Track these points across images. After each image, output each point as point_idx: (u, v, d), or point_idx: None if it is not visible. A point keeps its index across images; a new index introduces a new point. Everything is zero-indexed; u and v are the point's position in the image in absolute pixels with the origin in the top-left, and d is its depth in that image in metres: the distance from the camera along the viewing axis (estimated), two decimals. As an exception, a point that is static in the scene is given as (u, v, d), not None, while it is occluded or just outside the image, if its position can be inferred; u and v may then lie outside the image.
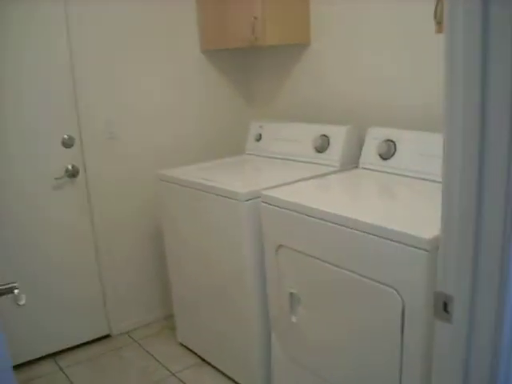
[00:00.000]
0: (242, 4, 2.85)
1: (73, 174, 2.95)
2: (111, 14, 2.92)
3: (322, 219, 1.93)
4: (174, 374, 2.81)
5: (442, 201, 1.11)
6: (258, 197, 2.26)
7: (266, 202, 2.22)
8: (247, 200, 2.29)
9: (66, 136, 2.90)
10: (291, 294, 2.17)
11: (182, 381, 2.75)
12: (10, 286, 1.57)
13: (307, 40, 2.94)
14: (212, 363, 2.84)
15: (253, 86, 3.46)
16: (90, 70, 2.90)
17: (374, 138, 2.51)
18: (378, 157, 2.46)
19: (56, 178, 2.89)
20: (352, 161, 2.63)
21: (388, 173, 2.40)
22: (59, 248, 2.98)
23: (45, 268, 2.94)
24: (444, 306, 1.16)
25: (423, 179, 2.23)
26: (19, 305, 1.57)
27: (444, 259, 1.14)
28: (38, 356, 3.00)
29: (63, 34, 2.80)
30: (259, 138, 3.09)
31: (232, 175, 2.67)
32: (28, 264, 2.88)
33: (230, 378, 2.71)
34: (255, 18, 2.76)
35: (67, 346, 3.10)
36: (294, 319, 2.19)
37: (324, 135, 2.70)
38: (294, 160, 2.83)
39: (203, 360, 2.90)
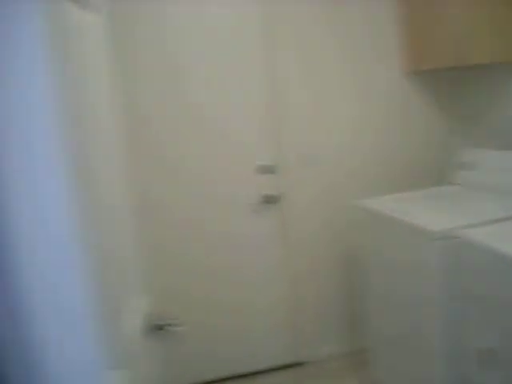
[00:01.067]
0: (446, 21, 2.58)
1: (270, 200, 2.98)
2: (311, 36, 2.89)
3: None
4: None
5: None
6: (454, 236, 2.00)
7: (463, 245, 1.95)
8: (440, 239, 2.04)
9: (264, 163, 2.95)
10: (488, 348, 1.88)
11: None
12: (173, 321, 1.62)
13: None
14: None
15: (457, 111, 3.11)
16: (291, 94, 2.90)
17: None
18: None
19: (253, 204, 2.95)
20: None
21: None
22: (253, 270, 3.04)
23: (241, 292, 3.02)
24: None
25: None
26: (180, 334, 1.60)
27: None
28: (231, 375, 3.10)
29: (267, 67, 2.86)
30: (468, 166, 2.76)
31: (429, 209, 2.43)
32: (221, 288, 2.99)
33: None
34: (461, 35, 2.48)
35: (259, 369, 3.14)
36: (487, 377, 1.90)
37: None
38: (506, 194, 2.46)
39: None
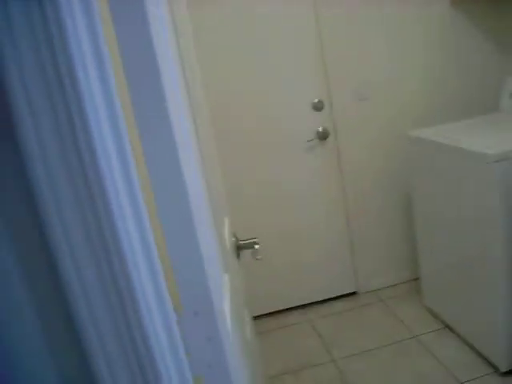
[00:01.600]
0: None
1: (324, 136, 3.09)
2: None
3: None
4: (415, 337, 2.81)
5: None
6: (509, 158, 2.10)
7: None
8: (497, 161, 2.14)
9: (316, 100, 3.05)
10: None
11: (422, 344, 2.74)
12: (251, 241, 1.76)
13: None
14: (455, 330, 2.76)
15: (507, 38, 3.13)
16: (338, 33, 2.97)
17: None
18: None
19: (308, 141, 3.07)
20: None
21: None
22: (312, 207, 3.19)
23: (297, 223, 3.18)
24: None
25: None
26: (257, 259, 1.76)
27: None
28: (288, 306, 3.29)
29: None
30: (515, 94, 2.82)
31: (482, 135, 2.51)
32: (278, 218, 3.15)
33: (472, 347, 2.61)
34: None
35: (316, 300, 3.32)
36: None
37: None
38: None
39: (447, 326, 2.84)
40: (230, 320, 0.99)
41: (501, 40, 3.15)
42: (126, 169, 0.52)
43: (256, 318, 3.06)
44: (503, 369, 2.39)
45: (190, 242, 0.73)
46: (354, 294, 3.37)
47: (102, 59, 0.50)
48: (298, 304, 3.30)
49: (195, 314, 0.75)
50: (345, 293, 3.37)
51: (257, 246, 1.75)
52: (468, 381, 2.43)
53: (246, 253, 1.75)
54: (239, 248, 1.76)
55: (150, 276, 0.58)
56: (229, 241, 1.55)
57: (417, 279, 3.21)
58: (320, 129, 3.07)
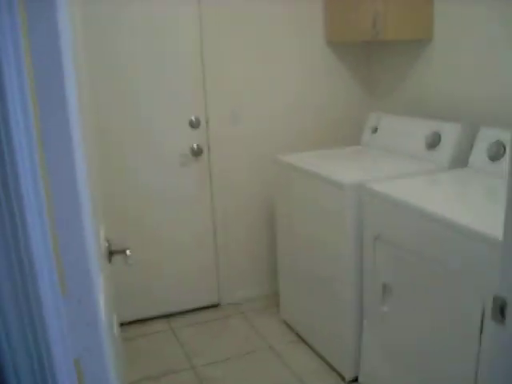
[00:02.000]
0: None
1: (197, 152, 3.21)
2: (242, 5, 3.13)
3: (421, 216, 1.99)
4: (271, 347, 2.99)
5: (505, 205, 1.14)
6: (362, 188, 2.35)
7: (369, 194, 2.30)
8: (351, 190, 2.39)
9: (193, 118, 3.17)
10: (384, 284, 2.25)
11: (277, 353, 2.92)
12: (123, 247, 1.82)
13: (429, 36, 2.92)
14: (308, 341, 2.98)
15: (373, 79, 3.49)
16: (217, 56, 3.13)
17: (485, 138, 2.46)
18: (487, 158, 2.42)
19: (182, 155, 3.17)
20: (462, 160, 2.60)
21: (496, 176, 2.35)
22: (181, 219, 3.29)
23: (167, 235, 3.25)
24: (501, 310, 1.20)
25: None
26: (129, 264, 1.82)
27: (503, 263, 1.18)
28: (151, 315, 3.34)
29: (196, 28, 3.06)
30: (375, 130, 3.14)
31: (342, 165, 2.78)
32: (149, 229, 3.21)
33: (322, 357, 2.84)
34: (377, 12, 2.81)
35: (179, 310, 3.40)
36: (385, 309, 2.27)
37: (436, 132, 2.69)
38: (405, 154, 2.85)
39: (300, 338, 3.05)
40: (104, 314, 1.06)
41: (367, 81, 3.50)
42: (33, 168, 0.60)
43: (121, 325, 3.07)
44: (348, 377, 2.64)
45: (78, 233, 0.81)
46: (216, 305, 3.50)
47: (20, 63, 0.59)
48: (162, 313, 3.35)
49: (78, 301, 0.82)
50: (208, 304, 3.48)
51: (128, 252, 1.81)
52: (316, 388, 2.65)
53: (118, 258, 1.81)
54: (111, 253, 1.81)
55: (46, 265, 0.65)
56: (102, 244, 1.60)
57: (276, 294, 3.41)
58: (195, 145, 3.20)
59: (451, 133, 2.63)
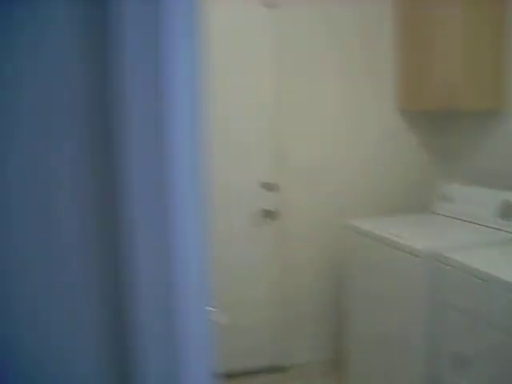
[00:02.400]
0: (440, 68, 2.98)
1: (269, 215, 3.30)
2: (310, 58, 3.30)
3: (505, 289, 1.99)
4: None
5: None
6: (439, 256, 2.36)
7: (445, 263, 2.32)
8: (427, 258, 2.40)
9: (266, 181, 3.28)
10: (455, 353, 2.23)
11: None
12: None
13: (503, 106, 2.94)
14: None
15: (443, 147, 3.50)
16: (293, 129, 3.29)
17: None
18: None
19: (254, 216, 3.28)
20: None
21: None
22: (251, 279, 3.35)
23: (231, 293, 3.29)
24: None
25: None
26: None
27: None
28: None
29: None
30: (445, 198, 3.16)
31: (415, 232, 2.80)
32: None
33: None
34: (451, 82, 2.88)
35: (241, 371, 3.37)
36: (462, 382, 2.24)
37: (510, 201, 2.70)
38: (477, 223, 2.87)
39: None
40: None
41: (437, 149, 3.53)
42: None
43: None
44: None
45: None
46: (280, 367, 3.48)
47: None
48: (223, 372, 3.34)
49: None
50: (271, 365, 3.47)
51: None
52: None
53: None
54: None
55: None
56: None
57: (335, 359, 3.38)
58: (267, 207, 3.29)
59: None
